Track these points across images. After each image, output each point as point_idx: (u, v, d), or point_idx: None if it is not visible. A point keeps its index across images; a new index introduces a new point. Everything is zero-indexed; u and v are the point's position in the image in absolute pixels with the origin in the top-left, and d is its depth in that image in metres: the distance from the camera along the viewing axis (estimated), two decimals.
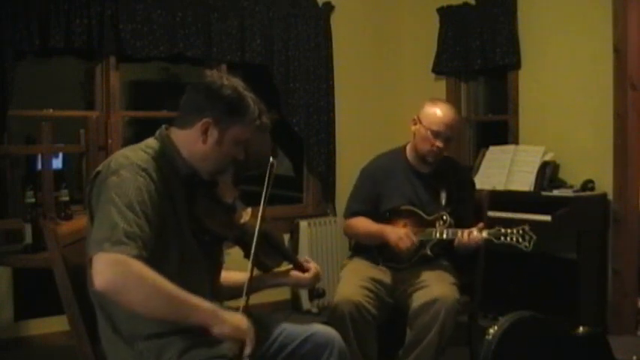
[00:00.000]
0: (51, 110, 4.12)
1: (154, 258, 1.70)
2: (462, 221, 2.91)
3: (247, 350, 1.75)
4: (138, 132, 6.02)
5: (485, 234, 2.76)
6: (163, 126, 2.00)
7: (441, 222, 2.91)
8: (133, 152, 1.86)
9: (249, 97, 1.95)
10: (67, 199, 3.66)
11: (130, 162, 1.80)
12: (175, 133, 1.95)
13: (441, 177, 3.02)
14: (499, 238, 2.74)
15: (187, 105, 1.96)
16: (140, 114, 5.63)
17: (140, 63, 4.49)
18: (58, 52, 3.97)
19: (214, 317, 1.73)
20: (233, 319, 1.77)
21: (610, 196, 3.98)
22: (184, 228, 1.89)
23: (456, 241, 2.81)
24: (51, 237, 1.95)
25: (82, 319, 1.94)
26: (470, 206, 3.08)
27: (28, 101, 4.47)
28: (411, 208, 2.97)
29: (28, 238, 3.40)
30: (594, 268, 3.97)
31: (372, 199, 3.05)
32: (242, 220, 2.04)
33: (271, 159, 1.98)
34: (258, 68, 4.52)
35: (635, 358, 2.69)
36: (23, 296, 3.86)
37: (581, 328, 2.20)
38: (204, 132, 1.90)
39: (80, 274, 1.97)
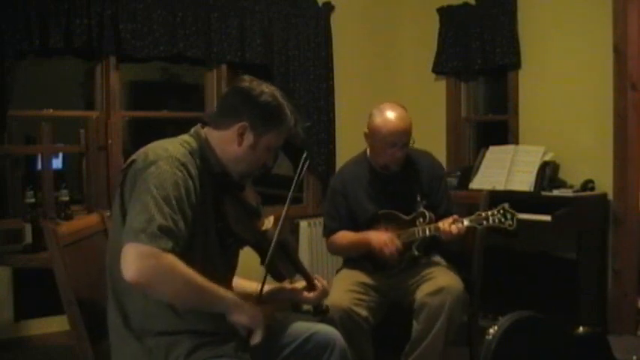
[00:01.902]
0: (51, 110, 4.12)
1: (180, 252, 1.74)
2: (439, 208, 2.89)
3: (256, 339, 1.84)
4: (138, 132, 6.03)
5: (467, 222, 2.74)
6: (198, 124, 2.02)
7: (421, 219, 2.87)
8: (171, 145, 1.87)
9: (287, 105, 1.99)
10: (67, 199, 3.67)
11: (169, 154, 1.81)
12: (210, 133, 1.97)
13: (408, 172, 2.97)
14: (481, 223, 2.72)
15: (226, 107, 2.00)
16: (140, 114, 5.64)
17: (140, 63, 4.48)
18: (58, 52, 3.96)
19: (236, 307, 1.84)
20: (251, 310, 1.86)
21: (610, 196, 3.98)
22: (210, 226, 1.92)
23: (443, 236, 2.78)
24: (51, 237, 1.95)
25: (82, 319, 1.94)
26: (442, 190, 3.04)
27: (28, 101, 4.47)
28: (389, 211, 2.93)
29: (28, 238, 3.40)
30: (594, 268, 3.97)
31: (347, 212, 3.00)
32: (264, 227, 2.06)
33: (305, 153, 2.07)
34: (258, 68, 4.52)
35: (635, 358, 2.69)
36: (23, 296, 3.85)
37: (581, 328, 2.20)
38: (240, 135, 1.93)
39: (80, 273, 1.98)
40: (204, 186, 1.89)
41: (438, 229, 2.78)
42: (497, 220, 2.69)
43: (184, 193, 1.78)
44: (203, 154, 1.93)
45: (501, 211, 2.69)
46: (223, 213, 1.94)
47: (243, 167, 1.98)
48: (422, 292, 2.75)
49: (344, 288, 2.82)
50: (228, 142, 1.94)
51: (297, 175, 2.01)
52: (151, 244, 1.66)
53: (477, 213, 2.75)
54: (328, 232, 3.05)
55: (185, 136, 1.97)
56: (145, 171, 1.77)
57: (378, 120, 2.90)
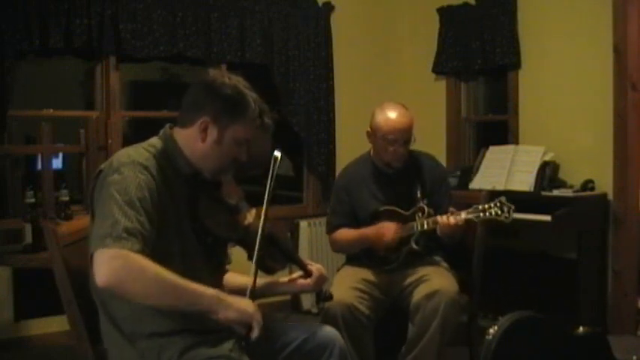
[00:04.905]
0: (51, 110, 4.12)
1: (156, 257, 1.70)
2: (440, 209, 2.91)
3: (254, 333, 1.77)
4: (138, 132, 6.02)
5: (464, 215, 2.77)
6: (167, 125, 1.99)
7: (420, 214, 2.91)
8: (135, 151, 1.86)
9: (250, 95, 1.94)
10: (67, 199, 3.67)
11: (132, 160, 1.80)
12: (178, 132, 1.95)
13: (410, 172, 3.02)
14: (479, 216, 2.75)
15: (188, 103, 1.96)
16: (140, 114, 5.63)
17: (140, 63, 4.48)
18: (58, 52, 3.96)
19: (218, 302, 1.74)
20: (238, 303, 1.78)
21: (610, 196, 3.98)
22: (186, 228, 1.89)
23: (439, 229, 2.82)
24: (51, 237, 1.95)
25: (82, 319, 1.94)
26: (444, 192, 3.07)
27: (28, 101, 4.48)
28: (389, 207, 2.97)
29: (28, 238, 3.41)
30: (594, 268, 3.97)
31: (350, 210, 3.06)
32: (246, 222, 2.03)
33: (275, 152, 1.95)
34: (258, 68, 4.52)
35: (635, 358, 2.69)
36: (23, 296, 3.85)
37: (581, 328, 2.20)
38: (204, 130, 1.90)
39: (80, 273, 1.97)
40: (174, 188, 1.86)
41: (436, 222, 2.81)
42: (493, 213, 2.71)
43: (148, 194, 1.75)
44: (170, 154, 1.90)
45: (498, 204, 2.72)
46: (198, 214, 1.89)
47: (212, 164, 1.93)
48: (417, 295, 2.78)
49: (348, 284, 2.84)
50: (194, 140, 1.91)
51: (270, 173, 1.94)
52: (118, 246, 1.63)
53: (474, 206, 2.78)
54: (331, 228, 3.10)
55: (153, 139, 1.95)
56: (109, 179, 1.76)
57: (379, 118, 2.96)
